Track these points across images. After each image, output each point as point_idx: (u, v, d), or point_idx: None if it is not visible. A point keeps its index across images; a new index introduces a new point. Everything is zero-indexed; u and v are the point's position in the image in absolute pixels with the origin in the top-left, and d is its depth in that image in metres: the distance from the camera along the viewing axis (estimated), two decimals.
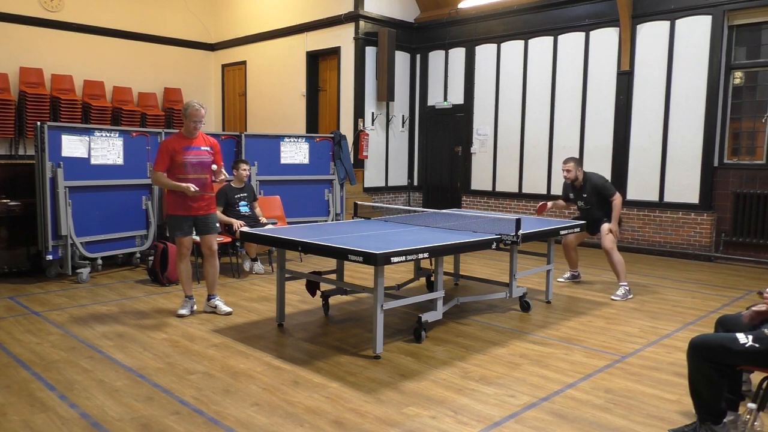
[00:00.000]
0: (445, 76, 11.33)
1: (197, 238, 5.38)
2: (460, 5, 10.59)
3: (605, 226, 6.13)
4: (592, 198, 6.25)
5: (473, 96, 10.89)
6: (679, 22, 8.50)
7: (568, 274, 6.81)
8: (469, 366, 4.09)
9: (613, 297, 6.02)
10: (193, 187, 4.97)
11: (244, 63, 13.11)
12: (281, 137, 8.55)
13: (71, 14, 11.41)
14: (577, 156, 9.44)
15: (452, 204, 11.10)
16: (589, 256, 8.21)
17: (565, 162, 6.33)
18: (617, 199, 6.16)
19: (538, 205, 6.69)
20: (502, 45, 10.43)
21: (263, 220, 7.02)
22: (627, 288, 6.07)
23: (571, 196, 6.45)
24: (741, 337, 2.78)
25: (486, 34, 10.62)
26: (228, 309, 5.33)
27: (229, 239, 6.76)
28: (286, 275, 4.97)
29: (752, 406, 2.82)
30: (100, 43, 11.81)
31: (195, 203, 5.10)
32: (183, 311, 5.27)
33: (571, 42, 9.59)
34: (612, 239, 6.09)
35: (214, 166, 5.19)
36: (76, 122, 10.34)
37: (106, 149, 6.87)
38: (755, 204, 8.02)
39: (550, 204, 6.54)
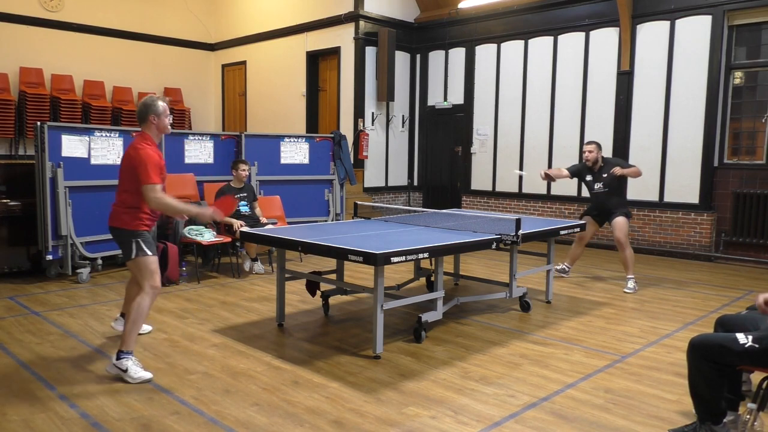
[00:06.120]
0: (445, 76, 11.33)
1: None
2: (460, 5, 10.58)
3: (619, 219, 6.30)
4: (610, 181, 6.35)
5: (473, 96, 10.88)
6: (679, 22, 8.50)
7: (560, 266, 6.93)
8: (469, 366, 4.09)
9: (625, 290, 6.28)
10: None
11: (244, 63, 13.11)
12: (281, 137, 8.55)
13: (71, 14, 11.41)
14: (576, 158, 9.44)
15: (452, 204, 11.09)
16: (590, 257, 8.21)
17: (588, 143, 6.57)
18: (637, 167, 6.40)
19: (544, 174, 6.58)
20: (502, 45, 10.42)
21: (263, 220, 7.03)
22: (635, 280, 6.38)
23: (588, 178, 6.54)
24: (741, 337, 2.78)
25: (486, 34, 10.61)
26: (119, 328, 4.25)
27: (229, 239, 6.78)
28: (286, 275, 4.97)
29: (752, 406, 2.82)
30: (100, 43, 11.81)
31: (154, 219, 4.07)
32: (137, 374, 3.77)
33: (571, 42, 9.59)
34: (626, 232, 6.29)
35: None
36: (76, 122, 10.34)
37: (106, 149, 6.87)
38: (755, 204, 8.02)
39: (549, 171, 6.55)
